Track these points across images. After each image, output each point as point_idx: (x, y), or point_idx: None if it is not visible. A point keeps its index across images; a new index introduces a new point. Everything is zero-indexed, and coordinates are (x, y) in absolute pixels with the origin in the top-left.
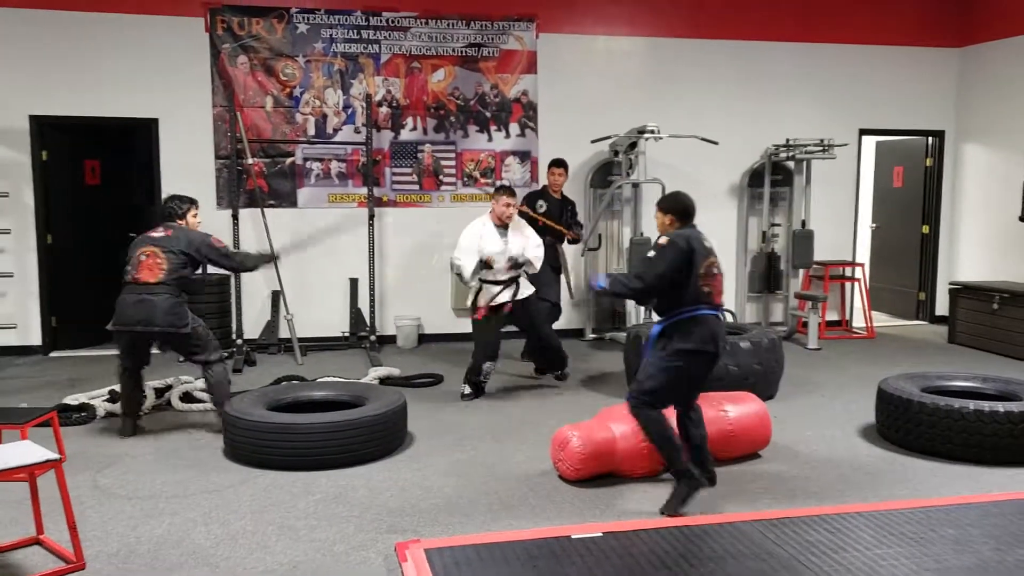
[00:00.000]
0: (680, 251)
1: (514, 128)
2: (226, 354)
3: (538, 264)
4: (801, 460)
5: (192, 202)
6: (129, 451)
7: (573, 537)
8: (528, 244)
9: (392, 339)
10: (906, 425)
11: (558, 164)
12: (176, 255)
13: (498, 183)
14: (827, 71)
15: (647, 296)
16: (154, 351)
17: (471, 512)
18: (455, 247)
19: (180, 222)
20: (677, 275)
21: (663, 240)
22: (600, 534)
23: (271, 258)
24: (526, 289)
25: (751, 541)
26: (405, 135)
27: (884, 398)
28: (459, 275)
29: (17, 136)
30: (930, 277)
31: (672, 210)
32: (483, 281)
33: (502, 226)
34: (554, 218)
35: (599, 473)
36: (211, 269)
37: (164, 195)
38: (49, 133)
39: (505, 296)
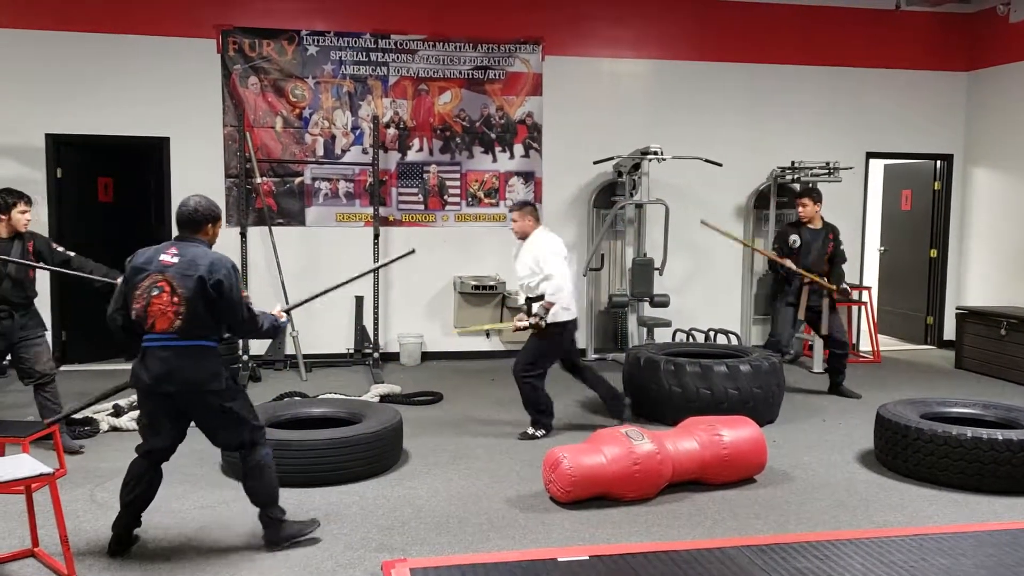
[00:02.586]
0: (122, 272)
1: (518, 149)
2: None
3: (556, 298)
4: (796, 485)
5: (21, 196)
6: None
7: (560, 560)
8: (538, 271)
9: (396, 356)
10: (904, 452)
11: (800, 195)
12: None
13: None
14: (833, 94)
15: (119, 330)
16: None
17: (460, 532)
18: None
19: (1, 217)
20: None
21: None
22: (587, 557)
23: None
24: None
25: (738, 567)
26: (411, 156)
27: (883, 424)
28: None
29: (33, 154)
30: (938, 301)
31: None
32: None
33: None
34: (809, 257)
35: (590, 495)
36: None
37: (174, 212)
38: (64, 151)
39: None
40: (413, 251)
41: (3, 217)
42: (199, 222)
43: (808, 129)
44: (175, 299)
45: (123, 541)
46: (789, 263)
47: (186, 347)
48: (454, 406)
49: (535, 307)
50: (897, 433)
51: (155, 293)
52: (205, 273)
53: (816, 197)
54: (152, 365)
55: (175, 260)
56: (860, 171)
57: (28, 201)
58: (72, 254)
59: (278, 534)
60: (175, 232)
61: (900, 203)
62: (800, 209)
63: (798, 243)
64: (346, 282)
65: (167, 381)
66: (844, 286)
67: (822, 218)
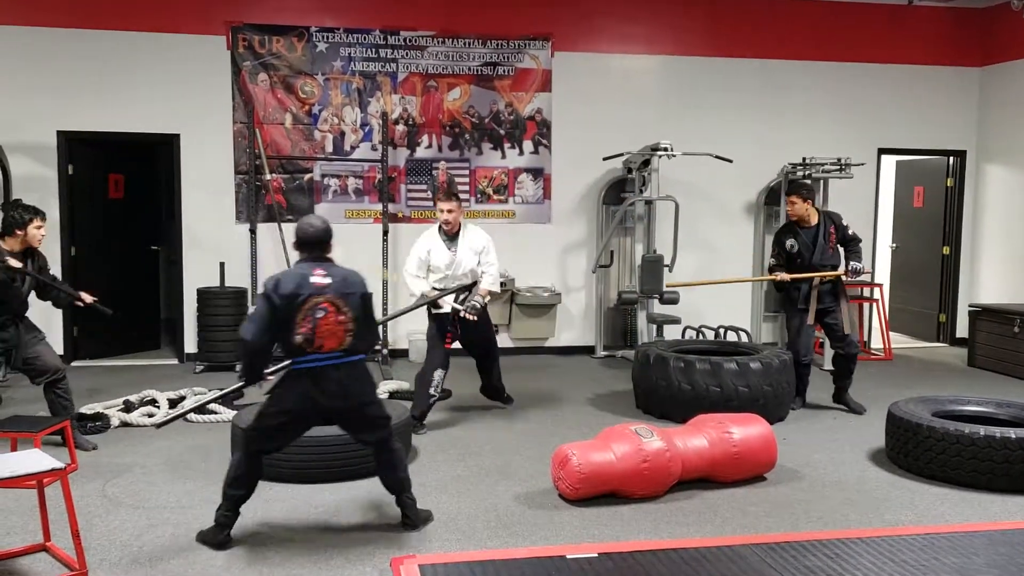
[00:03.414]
0: (263, 298)
1: (527, 146)
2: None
3: (491, 287)
4: (807, 483)
5: (37, 213)
6: (140, 461)
7: (568, 557)
8: (481, 262)
9: (405, 353)
10: (915, 450)
11: (788, 192)
12: None
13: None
14: (845, 90)
15: (259, 356)
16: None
17: (469, 528)
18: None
19: (18, 232)
20: (275, 325)
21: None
22: (596, 555)
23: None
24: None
25: (748, 565)
26: (420, 152)
27: (894, 422)
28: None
29: (45, 151)
30: (951, 298)
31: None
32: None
33: (450, 236)
34: (806, 257)
35: (599, 493)
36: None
37: (184, 208)
38: (75, 148)
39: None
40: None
41: (19, 232)
42: (326, 241)
43: (819, 125)
44: (341, 318)
45: (229, 534)
46: (782, 275)
47: (353, 363)
48: (462, 403)
49: (475, 298)
50: (909, 431)
51: (320, 315)
52: (362, 290)
53: (805, 193)
54: (327, 385)
55: (328, 280)
56: (872, 167)
57: (43, 217)
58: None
59: (418, 515)
60: (186, 228)
61: (912, 200)
62: (788, 208)
63: (795, 248)
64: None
65: (342, 398)
66: (856, 264)
67: (818, 211)
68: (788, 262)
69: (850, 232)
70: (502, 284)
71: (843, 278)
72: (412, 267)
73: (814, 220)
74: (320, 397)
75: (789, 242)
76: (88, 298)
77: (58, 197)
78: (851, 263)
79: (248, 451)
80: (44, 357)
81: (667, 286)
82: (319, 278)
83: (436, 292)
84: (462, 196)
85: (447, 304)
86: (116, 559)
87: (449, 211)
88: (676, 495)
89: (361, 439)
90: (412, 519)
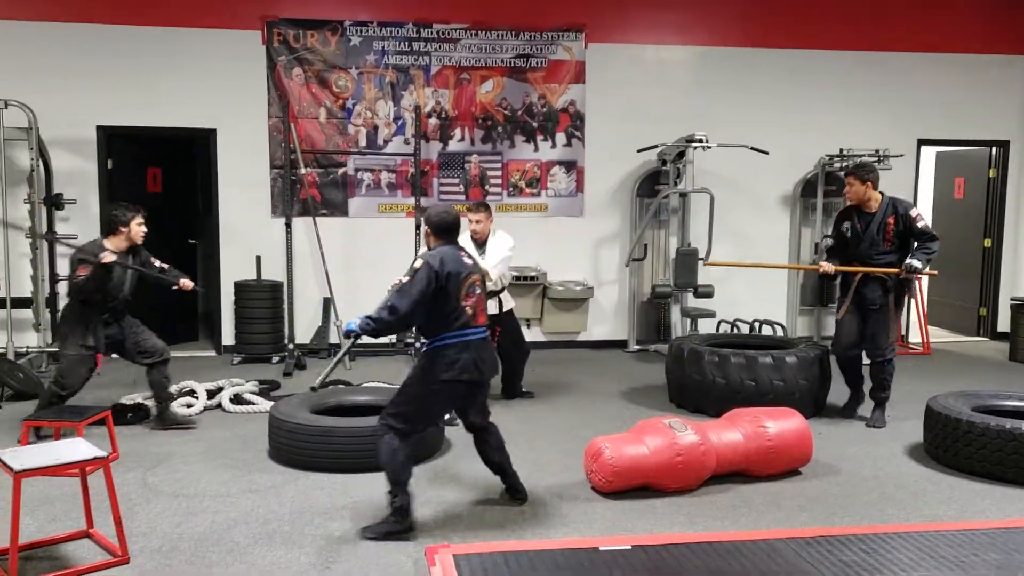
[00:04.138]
0: (427, 272)
1: (560, 138)
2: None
3: (495, 278)
4: (843, 478)
5: (137, 210)
6: (179, 450)
7: (602, 549)
8: (495, 255)
9: None
10: (954, 445)
11: (847, 173)
12: None
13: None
14: (883, 80)
15: (403, 327)
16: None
17: (502, 519)
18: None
19: (122, 229)
20: (430, 300)
21: (417, 262)
22: (629, 547)
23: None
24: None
25: (784, 559)
26: (453, 146)
27: (932, 416)
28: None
29: (85, 146)
30: (992, 292)
31: (429, 224)
32: None
33: (479, 243)
34: (865, 245)
35: (632, 486)
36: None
37: (221, 202)
38: (114, 142)
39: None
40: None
41: (123, 230)
42: (459, 229)
43: (857, 115)
44: (483, 296)
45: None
46: (826, 267)
47: (488, 338)
48: (494, 395)
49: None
50: (948, 426)
51: (477, 292)
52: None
53: (863, 175)
54: (486, 356)
55: (471, 261)
56: (911, 159)
57: (144, 214)
58: (167, 266)
59: (524, 490)
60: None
61: (953, 191)
62: (845, 190)
63: (849, 232)
64: None
65: (490, 371)
66: (914, 262)
67: (882, 194)
68: (844, 248)
69: (919, 225)
70: (533, 278)
71: (908, 279)
72: None
73: (876, 206)
74: (483, 366)
75: (845, 224)
76: (188, 284)
77: (98, 191)
78: (909, 259)
79: (411, 433)
80: (152, 340)
81: (706, 264)
82: (467, 258)
83: None
84: (494, 190)
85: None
86: (157, 546)
87: (477, 221)
88: (710, 489)
89: (471, 421)
90: (522, 491)
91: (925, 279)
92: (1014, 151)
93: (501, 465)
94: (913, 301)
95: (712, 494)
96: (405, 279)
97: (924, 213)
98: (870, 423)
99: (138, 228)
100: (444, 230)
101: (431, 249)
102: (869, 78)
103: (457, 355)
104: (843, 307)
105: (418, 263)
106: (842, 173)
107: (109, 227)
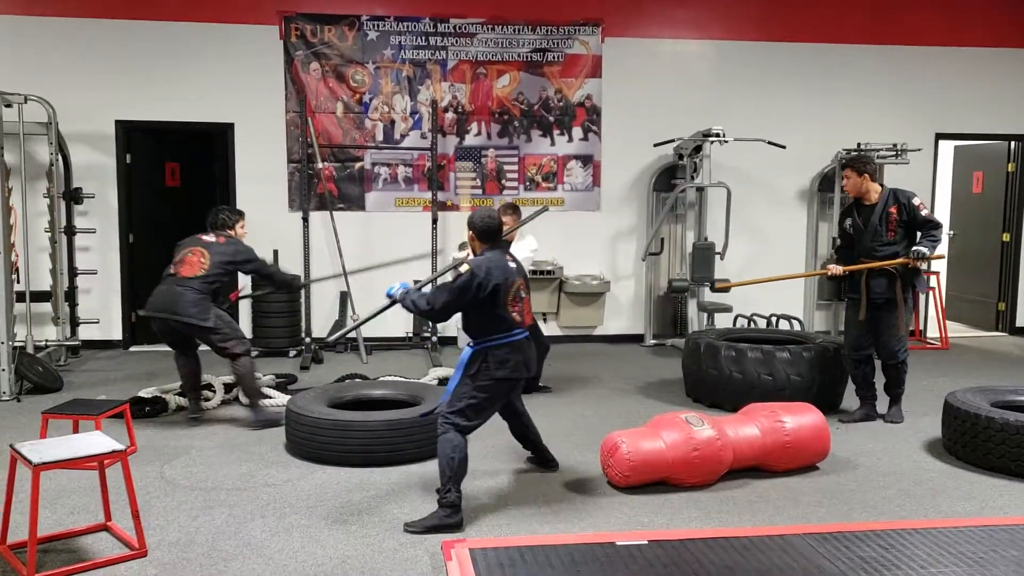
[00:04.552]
0: (471, 282)
1: (577, 132)
2: (255, 351)
3: None
4: (860, 473)
5: (241, 214)
6: (196, 444)
7: (618, 543)
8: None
9: (453, 340)
10: (973, 440)
11: (843, 165)
12: (221, 261)
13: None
14: (901, 73)
15: (432, 319)
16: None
17: (519, 514)
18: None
19: (230, 232)
20: (469, 304)
21: (463, 267)
22: (645, 542)
23: (300, 286)
24: None
25: (800, 554)
26: (469, 140)
27: (951, 412)
28: None
29: (104, 140)
30: (1011, 286)
31: (473, 228)
32: None
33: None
34: (868, 238)
35: (648, 481)
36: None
37: (238, 197)
38: (133, 137)
39: None
40: (546, 208)
41: (230, 233)
42: (501, 232)
43: (875, 109)
44: (528, 299)
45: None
46: (834, 269)
47: (530, 337)
48: None
49: None
50: (967, 422)
51: (523, 296)
52: (526, 274)
53: (859, 167)
54: (530, 354)
55: (515, 266)
56: (929, 152)
57: (244, 216)
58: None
59: (555, 459)
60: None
61: (971, 185)
62: (843, 183)
63: (852, 227)
64: None
65: (535, 365)
66: (921, 248)
67: (883, 186)
68: (852, 245)
69: (923, 213)
70: (549, 272)
71: (916, 268)
72: None
73: (875, 197)
74: (529, 364)
75: (847, 221)
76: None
77: (116, 185)
78: (915, 247)
79: (471, 430)
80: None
81: (717, 287)
82: (512, 262)
83: None
84: (510, 184)
85: None
86: (174, 539)
87: (507, 225)
88: (727, 484)
89: (513, 407)
90: (554, 461)
91: (942, 275)
92: None
93: (535, 441)
94: (931, 295)
95: (729, 489)
96: (450, 275)
97: (941, 207)
98: (888, 419)
99: (242, 231)
100: (489, 234)
101: (477, 254)
102: (886, 72)
103: (508, 355)
104: (861, 306)
105: (464, 268)
106: None
107: (216, 225)
